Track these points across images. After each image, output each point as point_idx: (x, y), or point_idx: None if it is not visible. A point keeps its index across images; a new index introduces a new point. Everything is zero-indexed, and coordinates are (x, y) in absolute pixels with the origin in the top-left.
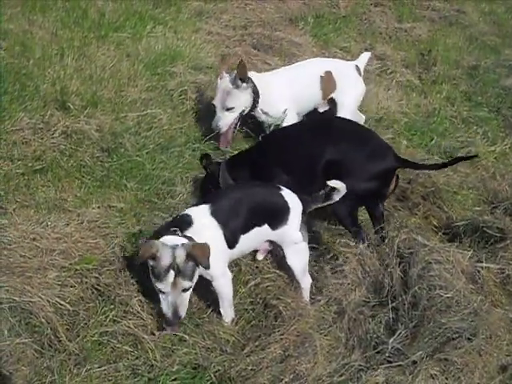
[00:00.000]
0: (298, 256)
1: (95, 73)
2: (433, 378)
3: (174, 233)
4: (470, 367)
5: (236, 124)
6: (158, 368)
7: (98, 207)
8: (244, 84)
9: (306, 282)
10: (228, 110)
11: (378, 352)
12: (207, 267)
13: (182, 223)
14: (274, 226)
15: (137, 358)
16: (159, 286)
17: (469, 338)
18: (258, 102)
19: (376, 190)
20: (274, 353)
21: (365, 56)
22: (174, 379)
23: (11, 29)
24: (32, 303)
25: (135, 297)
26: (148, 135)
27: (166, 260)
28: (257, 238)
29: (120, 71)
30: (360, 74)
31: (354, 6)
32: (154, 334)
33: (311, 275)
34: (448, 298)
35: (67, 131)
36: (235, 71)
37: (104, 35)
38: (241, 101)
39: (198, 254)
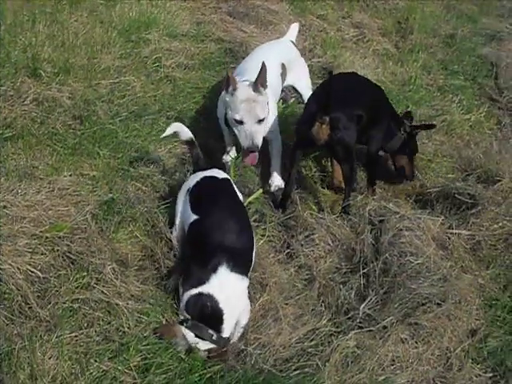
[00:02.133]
0: None
1: (68, 39)
2: (403, 342)
3: None
4: (440, 331)
5: None
6: (130, 334)
7: (70, 175)
8: (264, 90)
9: None
10: (260, 121)
11: (349, 318)
12: None
13: None
14: None
15: (109, 323)
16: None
17: (438, 303)
18: None
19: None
20: None
21: (295, 28)
22: (146, 344)
23: None
24: (2, 270)
25: (108, 264)
26: (121, 103)
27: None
28: None
29: (93, 38)
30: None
31: None
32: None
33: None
34: (418, 264)
35: (38, 98)
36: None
37: (77, 1)
38: (267, 107)
39: None
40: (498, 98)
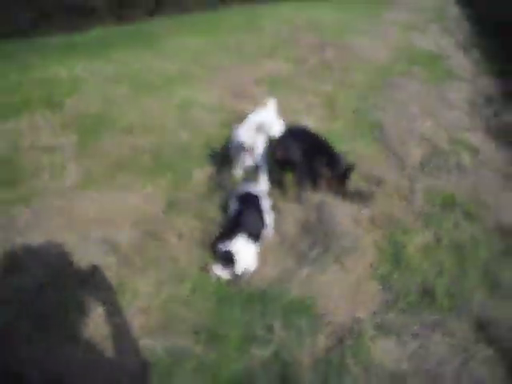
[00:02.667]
0: None
1: (149, 113)
2: (334, 273)
3: None
4: (355, 265)
5: None
6: (183, 273)
7: (150, 187)
8: None
9: None
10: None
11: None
12: None
13: None
14: None
15: (172, 268)
16: None
17: (354, 251)
18: None
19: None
20: None
21: (273, 101)
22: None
23: None
24: (116, 237)
25: (172, 237)
26: (178, 146)
27: None
28: None
29: (162, 112)
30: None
31: (294, 74)
32: None
33: None
34: (342, 230)
35: (133, 145)
36: None
37: (152, 93)
38: None
39: None
40: (383, 140)
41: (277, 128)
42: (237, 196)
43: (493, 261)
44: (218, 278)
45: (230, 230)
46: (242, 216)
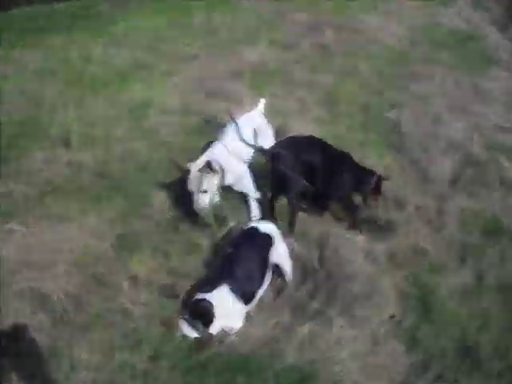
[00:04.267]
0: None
1: (89, 118)
2: (342, 328)
3: None
4: (368, 318)
5: None
6: (143, 332)
7: (94, 217)
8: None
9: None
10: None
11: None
12: None
13: None
14: None
15: (126, 325)
16: None
17: (367, 298)
18: None
19: None
20: None
21: (262, 102)
22: (155, 340)
23: None
24: (47, 289)
25: (124, 281)
26: (130, 162)
27: None
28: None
29: (108, 117)
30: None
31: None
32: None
33: None
34: (351, 270)
35: (70, 162)
36: None
37: (96, 91)
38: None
39: None
40: (401, 147)
41: (267, 137)
42: (239, 232)
43: None
44: (186, 339)
45: (215, 276)
46: (233, 262)
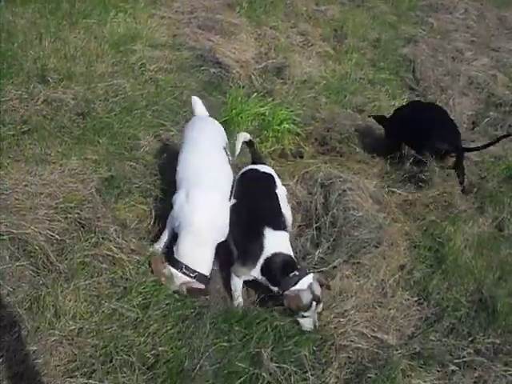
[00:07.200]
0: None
1: (69, 52)
2: (348, 278)
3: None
4: (376, 268)
5: None
6: (132, 280)
7: (76, 159)
8: None
9: None
10: None
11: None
12: None
13: None
14: None
15: (114, 272)
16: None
17: (375, 246)
18: None
19: None
20: None
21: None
22: (145, 287)
23: None
24: (27, 234)
25: (111, 227)
26: (115, 101)
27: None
28: None
29: (89, 50)
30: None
31: None
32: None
33: None
34: (359, 216)
35: (48, 100)
36: None
37: (75, 22)
38: None
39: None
40: (416, 87)
41: None
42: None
43: None
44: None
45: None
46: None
